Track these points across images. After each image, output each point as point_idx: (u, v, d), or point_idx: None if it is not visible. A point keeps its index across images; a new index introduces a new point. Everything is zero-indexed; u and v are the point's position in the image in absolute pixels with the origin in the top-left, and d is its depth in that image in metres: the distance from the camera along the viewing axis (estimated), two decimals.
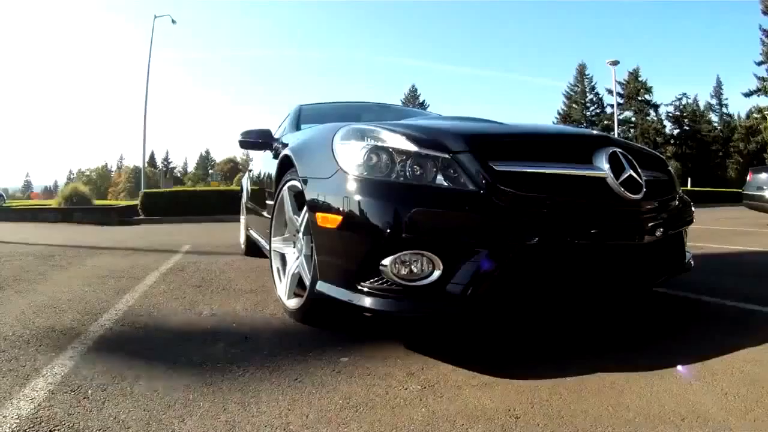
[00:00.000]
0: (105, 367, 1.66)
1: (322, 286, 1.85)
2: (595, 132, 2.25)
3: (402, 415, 1.31)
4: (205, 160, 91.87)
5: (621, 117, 42.22)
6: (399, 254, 1.64)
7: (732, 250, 4.61)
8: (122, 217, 12.92)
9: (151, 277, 3.37)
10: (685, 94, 47.43)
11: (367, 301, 1.68)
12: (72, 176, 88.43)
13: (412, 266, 1.65)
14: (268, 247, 2.68)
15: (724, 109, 48.06)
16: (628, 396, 1.39)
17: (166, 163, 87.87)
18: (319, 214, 1.86)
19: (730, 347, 1.75)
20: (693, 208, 2.35)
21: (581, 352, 1.78)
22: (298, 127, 3.32)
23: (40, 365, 1.66)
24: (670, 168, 2.33)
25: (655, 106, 46.44)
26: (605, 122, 44.94)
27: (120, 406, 1.36)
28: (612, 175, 1.81)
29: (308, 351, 1.81)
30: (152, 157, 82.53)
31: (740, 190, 9.82)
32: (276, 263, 2.46)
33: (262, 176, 3.67)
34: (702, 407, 1.31)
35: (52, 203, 16.73)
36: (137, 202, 14.34)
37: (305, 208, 2.02)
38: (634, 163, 1.93)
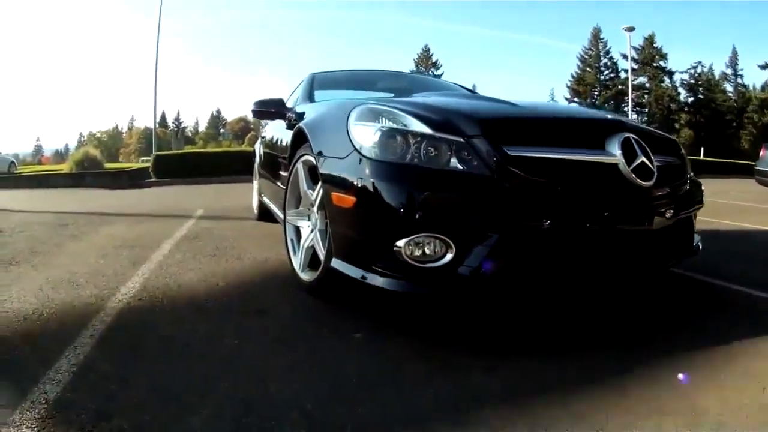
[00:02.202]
0: (125, 345, 1.70)
1: (336, 263, 1.90)
2: (609, 116, 2.25)
3: (411, 396, 1.35)
4: (216, 120, 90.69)
5: (635, 82, 41.33)
6: (413, 236, 1.67)
7: (740, 228, 4.58)
8: (133, 180, 13.04)
9: (165, 246, 3.41)
10: (700, 62, 46.17)
11: (380, 281, 1.73)
12: (83, 139, 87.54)
13: (426, 248, 1.69)
14: (281, 216, 2.72)
15: (739, 80, 46.77)
16: (629, 384, 1.41)
17: (177, 123, 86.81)
18: (334, 193, 1.90)
19: (733, 337, 1.74)
20: (703, 189, 2.35)
21: (585, 337, 1.79)
22: (311, 96, 3.32)
23: (62, 345, 1.65)
24: (683, 151, 2.32)
25: (670, 73, 45.48)
26: (619, 87, 44.19)
27: (141, 386, 1.39)
28: (624, 162, 1.82)
29: (322, 326, 1.87)
30: (163, 117, 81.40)
31: (752, 164, 9.69)
32: (290, 235, 2.50)
33: (275, 142, 3.67)
34: (699, 399, 1.32)
35: (64, 168, 16.77)
36: (148, 164, 14.38)
37: (320, 183, 2.05)
38: (647, 149, 1.92)
